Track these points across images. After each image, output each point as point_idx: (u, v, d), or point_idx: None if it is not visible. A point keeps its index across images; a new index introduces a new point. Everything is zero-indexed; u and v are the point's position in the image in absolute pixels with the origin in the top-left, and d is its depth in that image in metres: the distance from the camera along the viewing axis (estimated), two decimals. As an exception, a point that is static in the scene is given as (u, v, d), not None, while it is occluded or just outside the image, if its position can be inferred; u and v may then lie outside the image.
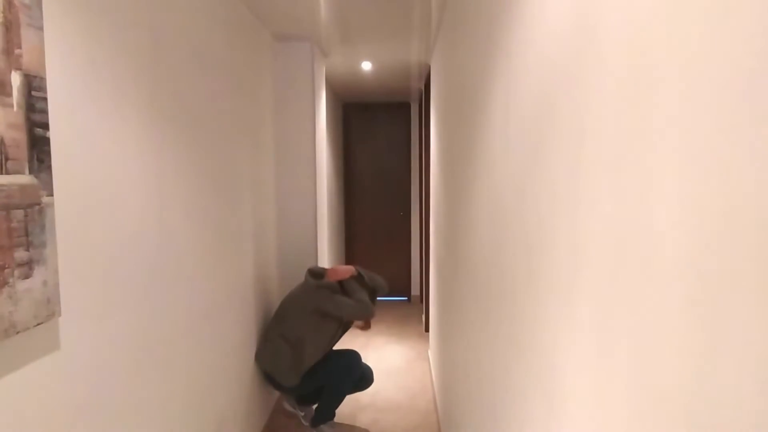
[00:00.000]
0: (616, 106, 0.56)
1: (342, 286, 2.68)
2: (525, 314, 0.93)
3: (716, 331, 0.38)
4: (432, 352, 3.57)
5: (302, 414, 2.83)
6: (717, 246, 0.38)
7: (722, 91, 0.38)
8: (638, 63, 0.51)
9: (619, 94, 0.55)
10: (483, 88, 1.39)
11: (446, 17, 2.42)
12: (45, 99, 0.99)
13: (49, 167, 1.00)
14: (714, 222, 0.39)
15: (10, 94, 0.90)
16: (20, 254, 0.92)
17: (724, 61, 0.38)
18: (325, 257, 3.71)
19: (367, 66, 3.83)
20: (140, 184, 1.42)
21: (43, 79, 0.98)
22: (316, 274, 2.74)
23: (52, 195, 1.01)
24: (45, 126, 0.99)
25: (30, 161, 0.95)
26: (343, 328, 2.69)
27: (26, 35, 0.93)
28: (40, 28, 0.97)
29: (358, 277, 2.75)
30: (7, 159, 0.89)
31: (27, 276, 0.94)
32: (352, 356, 2.73)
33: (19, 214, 0.92)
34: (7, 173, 0.89)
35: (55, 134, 1.04)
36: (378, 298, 2.86)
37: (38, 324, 0.98)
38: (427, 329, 4.29)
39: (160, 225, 1.54)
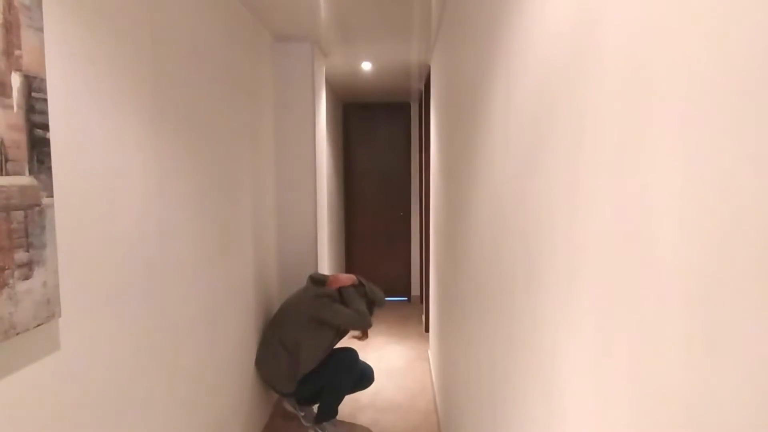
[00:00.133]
0: (616, 107, 0.56)
1: (341, 295, 2.69)
2: (525, 314, 0.93)
3: (716, 332, 0.38)
4: (432, 352, 3.57)
5: (302, 414, 2.83)
6: (716, 246, 0.38)
7: (722, 91, 0.38)
8: (638, 64, 0.51)
9: (618, 94, 0.55)
10: (483, 88, 1.39)
11: (446, 17, 2.42)
12: (45, 100, 0.99)
13: (49, 168, 1.00)
14: (713, 222, 0.39)
15: (10, 96, 0.90)
16: (20, 255, 0.92)
17: (724, 62, 0.38)
18: (325, 258, 3.71)
19: (367, 66, 3.83)
20: (140, 185, 1.42)
21: (43, 80, 0.98)
22: (317, 280, 2.75)
23: (52, 196, 1.01)
24: (45, 127, 0.99)
25: (30, 162, 0.95)
26: (340, 335, 2.70)
27: (26, 36, 0.93)
28: (40, 29, 0.97)
29: (359, 286, 2.76)
30: (7, 160, 0.89)
31: (27, 277, 0.94)
32: (350, 354, 2.74)
33: (19, 215, 0.92)
34: (7, 174, 0.90)
35: (55, 135, 1.04)
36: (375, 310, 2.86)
37: (38, 325, 0.98)
38: (427, 329, 4.29)
39: (160, 226, 1.54)
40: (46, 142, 0.99)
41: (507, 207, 1.09)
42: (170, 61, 1.62)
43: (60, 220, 1.06)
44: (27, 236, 0.94)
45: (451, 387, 2.25)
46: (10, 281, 0.90)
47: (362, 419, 2.93)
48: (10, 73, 0.90)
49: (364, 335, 2.90)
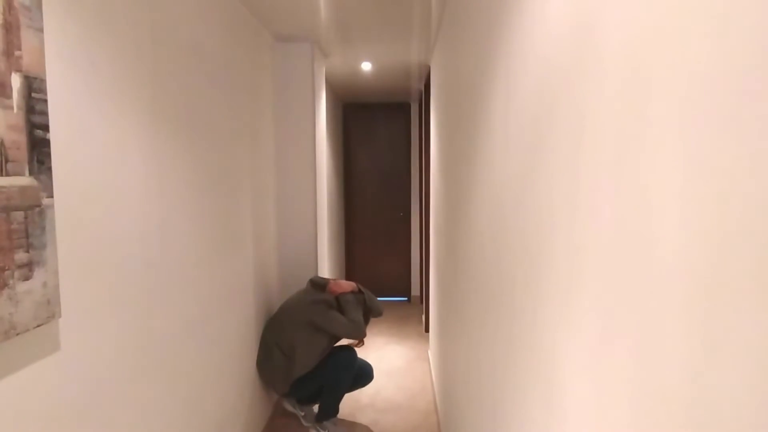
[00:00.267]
0: (616, 107, 0.56)
1: (338, 301, 2.69)
2: (525, 314, 0.93)
3: (716, 332, 0.38)
4: (432, 353, 3.57)
5: (302, 414, 2.83)
6: (716, 246, 0.38)
7: (722, 92, 0.38)
8: (638, 64, 0.51)
9: (618, 94, 0.55)
10: (483, 88, 1.39)
11: (446, 17, 2.42)
12: (45, 100, 0.99)
13: (49, 169, 1.00)
14: (713, 222, 0.39)
15: (10, 96, 0.90)
16: (20, 256, 0.92)
17: (724, 63, 0.38)
18: (325, 258, 3.71)
19: (367, 66, 3.83)
20: (140, 186, 1.42)
21: (43, 81, 0.98)
22: (317, 284, 2.76)
23: (52, 197, 1.01)
24: (45, 127, 0.99)
25: (30, 163, 0.95)
26: (333, 341, 2.70)
27: (26, 37, 0.93)
28: (40, 30, 0.97)
29: (358, 294, 2.77)
30: (7, 161, 0.89)
31: (27, 278, 0.94)
32: (348, 352, 2.74)
33: (19, 215, 0.92)
34: (7, 175, 0.90)
35: (55, 136, 1.04)
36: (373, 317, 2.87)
37: (38, 325, 0.98)
38: (427, 329, 4.29)
39: (160, 226, 1.54)
40: (46, 143, 0.99)
41: (507, 207, 1.09)
42: (170, 61, 1.62)
43: (60, 221, 1.06)
44: (27, 237, 0.94)
45: (451, 387, 2.25)
46: (10, 282, 0.90)
47: (362, 419, 2.93)
48: (10, 73, 0.90)
49: (359, 342, 2.90)
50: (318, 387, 2.70)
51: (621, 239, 0.54)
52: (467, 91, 1.71)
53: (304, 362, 2.59)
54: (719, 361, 0.38)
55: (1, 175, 0.88)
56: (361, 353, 3.14)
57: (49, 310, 1.01)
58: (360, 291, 2.79)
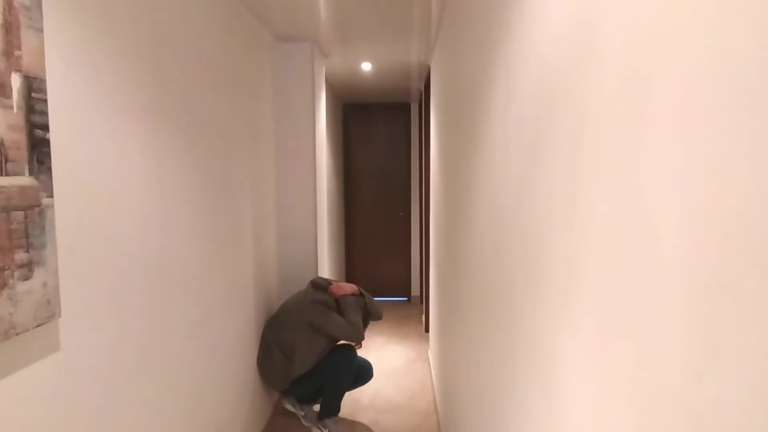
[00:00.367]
0: (616, 107, 0.56)
1: (338, 303, 2.70)
2: (525, 315, 0.93)
3: (716, 332, 0.38)
4: (432, 353, 3.57)
5: (303, 414, 2.84)
6: (716, 246, 0.38)
7: (722, 92, 0.38)
8: (638, 64, 0.51)
9: (618, 94, 0.55)
10: (483, 88, 1.39)
11: (446, 17, 2.42)
12: (45, 100, 0.99)
13: (49, 169, 1.00)
14: (713, 222, 0.39)
15: (10, 96, 0.90)
16: (20, 256, 0.92)
17: (724, 63, 0.38)
18: (325, 258, 3.71)
19: (367, 66, 3.83)
20: (140, 186, 1.42)
21: (43, 81, 0.98)
22: (318, 285, 2.76)
23: (52, 196, 1.01)
24: (45, 127, 0.99)
25: (30, 163, 0.95)
26: (332, 342, 2.71)
27: (26, 37, 0.93)
28: (40, 30, 0.97)
29: (359, 297, 2.77)
30: (7, 161, 0.89)
31: (27, 278, 0.94)
32: (347, 351, 2.75)
33: (19, 215, 0.92)
34: (7, 175, 0.90)
35: (55, 136, 1.04)
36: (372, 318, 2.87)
37: (38, 325, 0.98)
38: (427, 329, 4.29)
39: (160, 226, 1.54)
40: (46, 143, 0.99)
41: (507, 207, 1.09)
42: (170, 61, 1.62)
43: (60, 221, 1.06)
44: (27, 237, 0.94)
45: (451, 387, 2.25)
46: (10, 282, 0.90)
47: (362, 419, 2.93)
48: (10, 73, 0.90)
49: (357, 345, 2.91)
50: (318, 386, 2.71)
51: (621, 239, 0.54)
52: (467, 91, 1.71)
53: (303, 362, 2.59)
54: (719, 361, 0.38)
55: (1, 175, 0.88)
56: (361, 353, 3.14)
57: (49, 310, 1.01)
58: (361, 294, 2.80)
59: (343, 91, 4.92)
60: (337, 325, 2.60)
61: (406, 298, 5.61)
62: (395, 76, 4.18)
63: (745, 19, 0.35)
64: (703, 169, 0.40)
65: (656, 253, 0.47)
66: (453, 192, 2.14)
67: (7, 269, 0.89)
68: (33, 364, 1.00)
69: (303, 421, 2.82)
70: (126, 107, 1.35)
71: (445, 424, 2.56)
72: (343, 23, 2.80)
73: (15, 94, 0.91)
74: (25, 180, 0.94)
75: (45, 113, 0.99)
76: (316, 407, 2.88)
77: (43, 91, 0.99)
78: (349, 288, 2.76)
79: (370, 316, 2.81)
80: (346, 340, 2.68)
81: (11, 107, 0.90)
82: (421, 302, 4.99)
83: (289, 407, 2.89)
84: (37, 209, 0.97)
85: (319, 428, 2.73)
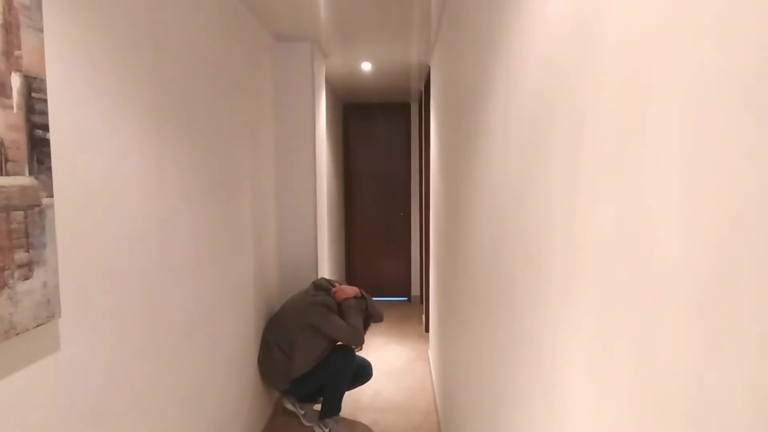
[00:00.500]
0: (616, 107, 0.56)
1: (339, 305, 2.70)
2: (525, 315, 0.93)
3: (716, 332, 0.38)
4: (432, 353, 3.57)
5: (303, 413, 2.84)
6: (716, 246, 0.38)
7: (722, 92, 0.38)
8: (637, 64, 0.51)
9: (618, 94, 0.55)
10: (483, 88, 1.39)
11: (446, 17, 2.42)
12: (45, 100, 0.99)
13: (49, 169, 1.00)
14: (713, 222, 0.39)
15: (10, 96, 0.90)
16: (20, 256, 0.92)
17: (724, 63, 0.38)
18: (325, 258, 3.71)
19: (367, 66, 3.83)
20: (140, 186, 1.42)
21: (43, 81, 0.98)
22: (319, 286, 2.76)
23: (52, 196, 1.01)
24: (45, 127, 0.99)
25: (30, 163, 0.95)
26: (331, 344, 2.71)
27: (26, 37, 0.93)
28: (40, 30, 0.97)
29: (360, 299, 2.78)
30: (7, 160, 0.89)
31: (27, 277, 0.94)
32: (346, 351, 2.75)
33: (19, 215, 0.92)
34: (7, 175, 0.90)
35: (55, 136, 1.04)
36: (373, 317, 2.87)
37: (38, 325, 0.98)
38: (427, 329, 4.29)
39: (160, 226, 1.54)
40: (46, 143, 0.99)
41: (507, 207, 1.09)
42: (170, 61, 1.62)
43: (60, 221, 1.06)
44: (27, 236, 0.94)
45: (451, 387, 2.25)
46: (10, 281, 0.90)
47: (362, 419, 2.93)
48: (10, 73, 0.90)
49: (358, 347, 2.91)
50: (318, 386, 2.72)
51: (621, 239, 0.54)
52: (467, 91, 1.71)
53: (304, 362, 2.60)
54: (719, 361, 0.38)
55: (1, 175, 0.88)
56: (361, 353, 3.14)
57: (49, 310, 1.01)
58: (362, 296, 2.80)
59: (343, 91, 4.92)
60: (337, 327, 2.61)
61: (406, 298, 5.61)
62: (395, 76, 4.18)
63: (745, 19, 0.35)
64: (703, 169, 0.40)
65: (656, 253, 0.47)
66: (453, 192, 2.14)
67: (7, 269, 0.89)
68: (33, 364, 1.00)
69: (303, 421, 2.82)
70: (126, 107, 1.35)
71: (445, 424, 2.56)
72: (343, 23, 2.80)
73: (15, 94, 0.91)
74: (25, 180, 0.94)
75: (45, 113, 0.99)
76: (316, 407, 2.88)
77: (43, 91, 0.99)
78: (351, 291, 2.77)
79: (371, 318, 2.81)
80: (346, 343, 2.68)
81: (11, 107, 0.90)
82: (421, 302, 4.99)
83: (290, 407, 2.89)
84: (37, 209, 0.97)
85: (320, 427, 2.74)
